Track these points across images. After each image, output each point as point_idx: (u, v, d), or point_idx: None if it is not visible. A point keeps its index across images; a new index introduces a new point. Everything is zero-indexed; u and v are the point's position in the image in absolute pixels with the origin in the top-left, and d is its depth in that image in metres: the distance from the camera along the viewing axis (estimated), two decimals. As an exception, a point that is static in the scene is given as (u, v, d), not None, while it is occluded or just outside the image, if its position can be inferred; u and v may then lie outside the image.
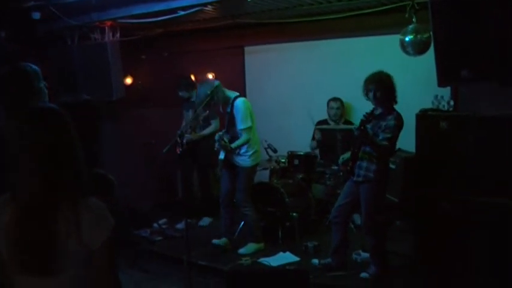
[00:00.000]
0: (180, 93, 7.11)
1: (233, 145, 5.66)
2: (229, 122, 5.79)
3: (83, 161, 1.94)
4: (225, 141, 5.61)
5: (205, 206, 7.07)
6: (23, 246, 1.81)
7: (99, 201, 1.94)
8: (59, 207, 1.83)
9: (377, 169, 4.79)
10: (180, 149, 6.60)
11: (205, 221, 7.13)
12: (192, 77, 7.74)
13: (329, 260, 5.20)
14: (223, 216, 6.06)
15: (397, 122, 4.71)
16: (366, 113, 4.72)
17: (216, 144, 5.78)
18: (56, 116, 1.92)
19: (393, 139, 4.76)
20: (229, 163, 5.84)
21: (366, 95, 4.84)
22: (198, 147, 6.81)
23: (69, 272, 1.84)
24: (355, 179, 4.93)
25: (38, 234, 1.81)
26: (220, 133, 5.73)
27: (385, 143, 4.71)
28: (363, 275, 4.97)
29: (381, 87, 4.77)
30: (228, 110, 5.76)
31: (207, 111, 6.11)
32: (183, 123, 7.15)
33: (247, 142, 5.69)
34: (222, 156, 5.82)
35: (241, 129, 5.66)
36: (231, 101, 5.72)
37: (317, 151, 7.03)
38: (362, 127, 4.63)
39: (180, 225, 6.77)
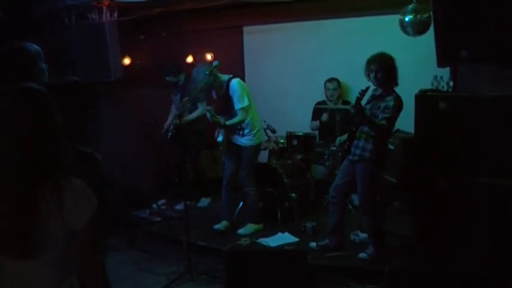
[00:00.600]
0: (168, 78, 7.00)
1: (228, 122, 5.65)
2: (225, 105, 5.78)
3: (66, 143, 1.92)
4: (215, 116, 5.57)
5: (197, 187, 7.07)
6: (3, 228, 1.79)
7: (82, 183, 1.92)
8: (40, 188, 1.82)
9: (373, 149, 4.80)
10: (170, 133, 6.63)
11: (204, 202, 7.15)
12: (190, 59, 7.70)
13: (327, 241, 5.22)
14: (225, 199, 6.05)
15: (396, 103, 4.71)
16: (361, 89, 4.71)
17: (217, 134, 5.81)
18: (39, 97, 1.89)
19: (392, 119, 4.75)
20: (232, 145, 5.83)
21: (368, 75, 4.84)
22: (187, 130, 6.77)
23: (51, 254, 1.83)
24: (351, 157, 4.95)
25: (19, 215, 1.79)
26: (209, 107, 5.71)
27: (383, 122, 4.71)
28: (361, 255, 4.99)
29: (382, 68, 4.76)
30: (223, 93, 5.75)
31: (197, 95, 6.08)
32: (172, 108, 7.10)
33: (243, 121, 5.69)
34: (220, 138, 5.83)
35: (239, 109, 5.65)
36: (225, 84, 5.71)
37: (317, 132, 7.03)
38: (358, 105, 4.62)
39: (179, 206, 6.79)
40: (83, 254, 1.92)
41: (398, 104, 4.73)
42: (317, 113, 7.06)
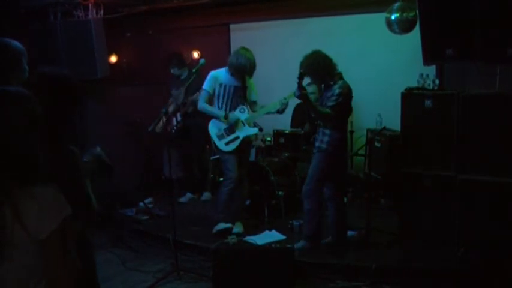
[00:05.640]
0: (172, 70, 7.01)
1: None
2: (242, 94, 5.73)
3: (34, 146, 1.86)
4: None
5: (187, 183, 7.18)
6: None
7: (51, 190, 1.86)
8: (2, 195, 1.77)
9: (329, 140, 4.86)
10: (175, 127, 6.62)
11: (188, 196, 7.17)
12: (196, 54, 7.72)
13: (329, 238, 5.22)
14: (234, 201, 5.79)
15: (341, 90, 4.76)
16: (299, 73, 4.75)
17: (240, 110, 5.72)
18: (6, 103, 1.84)
19: (337, 107, 4.76)
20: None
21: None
22: (192, 125, 6.79)
23: (17, 262, 1.79)
24: (314, 150, 5.05)
25: None
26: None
27: (327, 110, 4.76)
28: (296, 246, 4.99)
29: (308, 71, 4.84)
30: (239, 84, 5.70)
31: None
32: (170, 101, 7.06)
33: None
34: (251, 131, 5.76)
35: (256, 101, 5.75)
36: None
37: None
38: (300, 89, 4.69)
39: (184, 199, 7.06)
40: (51, 263, 1.85)
41: (344, 91, 4.77)
42: (298, 111, 7.08)
